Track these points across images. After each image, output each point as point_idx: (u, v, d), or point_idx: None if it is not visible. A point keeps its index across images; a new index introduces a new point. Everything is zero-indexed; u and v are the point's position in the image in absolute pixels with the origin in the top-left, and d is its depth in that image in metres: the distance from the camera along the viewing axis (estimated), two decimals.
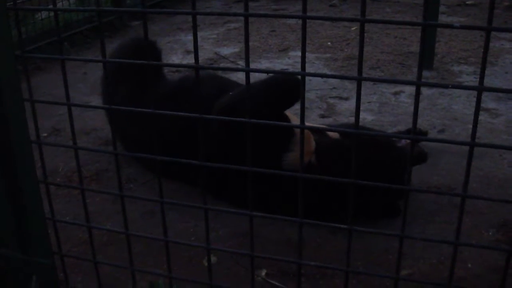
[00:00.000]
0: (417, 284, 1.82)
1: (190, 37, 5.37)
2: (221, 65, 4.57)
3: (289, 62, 4.64)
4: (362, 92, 3.74)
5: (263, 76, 2.42)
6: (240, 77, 3.91)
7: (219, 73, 3.82)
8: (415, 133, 1.10)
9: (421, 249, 2.19)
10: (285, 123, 2.12)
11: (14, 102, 1.32)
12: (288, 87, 2.29)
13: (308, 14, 1.02)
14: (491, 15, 0.98)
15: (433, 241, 1.17)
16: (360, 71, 1.06)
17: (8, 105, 1.30)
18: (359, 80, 1.07)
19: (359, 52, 1.03)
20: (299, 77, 1.11)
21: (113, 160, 2.80)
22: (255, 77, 2.51)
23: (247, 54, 1.10)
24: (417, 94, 1.06)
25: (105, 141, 3.15)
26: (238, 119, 1.18)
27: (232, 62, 4.67)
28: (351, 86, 4.01)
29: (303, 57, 1.08)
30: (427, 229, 2.34)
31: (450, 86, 1.08)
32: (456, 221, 1.15)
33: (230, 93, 2.36)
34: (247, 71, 1.11)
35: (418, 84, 1.07)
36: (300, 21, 5.49)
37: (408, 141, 2.34)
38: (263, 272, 2.06)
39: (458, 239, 1.18)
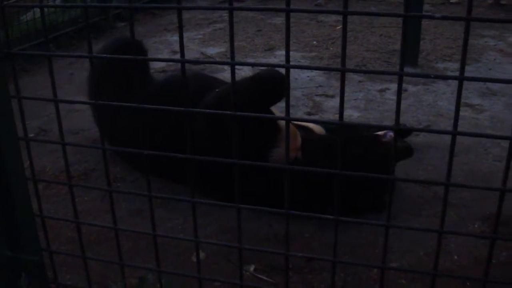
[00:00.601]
0: None
1: (176, 38, 5.37)
2: (208, 64, 4.57)
3: (275, 61, 4.66)
4: (348, 90, 3.80)
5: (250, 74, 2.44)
6: (226, 76, 3.92)
7: (206, 72, 3.83)
8: (400, 129, 1.12)
9: (408, 243, 2.21)
10: (270, 115, 2.13)
11: (1, 99, 1.33)
12: (273, 83, 2.30)
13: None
14: (470, 5, 1.00)
15: (418, 229, 1.19)
16: (343, 62, 1.07)
17: None
18: (342, 71, 1.09)
19: (342, 42, 1.05)
20: (284, 73, 1.13)
21: (101, 160, 2.80)
22: (241, 75, 2.54)
23: (232, 47, 1.12)
24: (400, 83, 1.08)
25: (92, 140, 3.15)
26: (224, 112, 1.20)
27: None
28: (337, 84, 4.03)
29: (287, 50, 1.10)
30: (414, 222, 2.35)
31: (432, 76, 1.10)
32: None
33: (217, 90, 2.37)
34: (233, 64, 1.13)
35: (401, 74, 1.09)
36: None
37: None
38: (252, 268, 2.07)
39: (443, 228, 1.20)
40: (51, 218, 1.51)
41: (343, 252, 2.14)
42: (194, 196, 1.31)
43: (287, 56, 1.11)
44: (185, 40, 5.27)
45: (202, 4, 7.14)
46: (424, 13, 4.30)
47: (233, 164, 1.24)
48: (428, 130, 1.08)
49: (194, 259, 2.08)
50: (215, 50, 5.04)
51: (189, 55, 4.87)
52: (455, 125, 1.08)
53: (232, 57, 1.13)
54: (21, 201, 1.46)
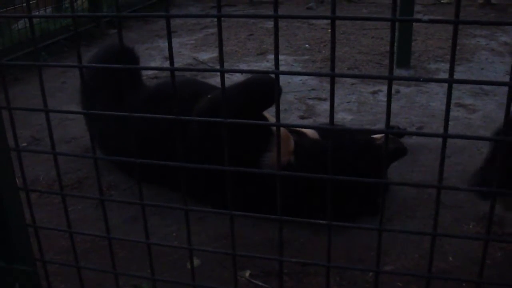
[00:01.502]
0: None
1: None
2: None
3: (267, 65, 4.67)
4: (341, 92, 3.81)
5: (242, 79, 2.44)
6: (218, 81, 3.90)
7: (198, 77, 3.83)
8: (391, 129, 1.12)
9: (402, 246, 2.21)
10: (261, 122, 2.13)
11: None
12: (264, 89, 2.30)
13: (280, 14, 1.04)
14: (458, 9, 1.00)
15: (412, 232, 1.19)
16: (332, 67, 1.07)
17: None
18: (332, 76, 1.08)
19: (331, 46, 1.05)
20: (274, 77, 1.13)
21: (94, 168, 2.79)
22: (233, 80, 2.54)
23: (221, 55, 1.11)
24: (389, 87, 1.08)
25: (84, 149, 3.14)
26: (215, 119, 1.19)
27: (211, 66, 4.68)
28: (329, 87, 4.03)
29: (276, 56, 1.09)
30: (408, 224, 2.36)
31: (421, 79, 1.10)
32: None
33: (208, 96, 2.37)
34: (222, 71, 1.12)
35: (390, 78, 1.08)
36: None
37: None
38: (247, 273, 2.07)
39: (436, 230, 1.20)
40: (44, 228, 1.50)
41: (338, 256, 2.14)
42: (187, 203, 1.30)
43: (276, 62, 1.11)
44: (177, 45, 5.31)
45: (193, 9, 7.15)
46: (415, 13, 4.32)
47: (225, 171, 1.23)
48: (419, 133, 1.08)
49: (189, 266, 2.07)
50: (207, 55, 5.04)
51: (181, 61, 4.87)
52: (446, 127, 1.08)
53: (222, 64, 1.12)
54: (13, 211, 1.46)
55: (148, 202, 1.35)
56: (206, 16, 1.16)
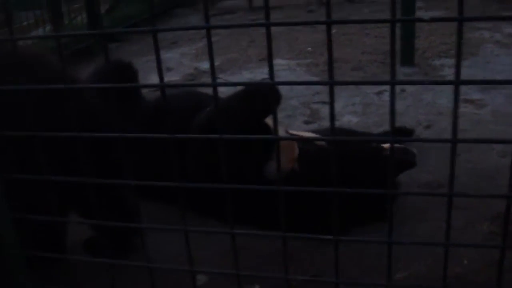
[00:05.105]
0: None
1: (169, 55, 5.34)
2: (202, 79, 4.53)
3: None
4: (345, 95, 3.74)
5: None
6: (222, 90, 3.87)
7: (199, 88, 3.78)
8: (399, 133, 1.07)
9: (415, 250, 2.14)
10: (258, 136, 2.07)
11: None
12: (265, 96, 2.25)
13: (281, 20, 0.99)
14: (461, 5, 0.94)
15: (423, 243, 1.13)
16: (331, 75, 1.02)
17: None
18: (331, 85, 1.03)
19: (328, 53, 1.00)
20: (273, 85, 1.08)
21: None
22: (235, 88, 2.49)
23: (212, 68, 1.06)
24: (392, 93, 1.02)
25: None
26: (210, 136, 1.14)
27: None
28: (334, 90, 3.97)
29: (271, 67, 1.04)
30: (419, 228, 2.29)
31: (426, 82, 1.04)
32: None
33: (207, 109, 2.32)
34: (214, 85, 1.07)
35: (393, 83, 1.03)
36: (278, 29, 5.48)
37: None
38: (256, 287, 2.01)
39: (449, 240, 1.14)
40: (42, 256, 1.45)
41: (348, 264, 2.07)
42: (186, 224, 1.25)
43: (271, 72, 1.05)
44: (178, 55, 5.27)
45: (193, 18, 7.11)
46: (416, 8, 4.25)
47: (225, 189, 1.18)
48: (427, 140, 1.02)
49: (197, 283, 2.01)
50: (208, 64, 4.99)
51: (183, 71, 4.83)
52: (454, 132, 1.02)
53: (213, 78, 1.07)
54: (9, 240, 1.41)
55: (145, 225, 1.30)
56: (195, 28, 1.11)
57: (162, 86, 1.10)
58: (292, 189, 1.13)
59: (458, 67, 0.98)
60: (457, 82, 0.99)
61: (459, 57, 0.97)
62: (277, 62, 4.81)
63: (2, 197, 1.34)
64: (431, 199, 2.49)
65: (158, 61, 1.07)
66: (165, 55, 5.35)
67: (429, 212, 2.40)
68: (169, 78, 4.69)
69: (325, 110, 3.63)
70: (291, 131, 2.48)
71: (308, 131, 3.03)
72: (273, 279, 2.03)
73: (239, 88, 2.37)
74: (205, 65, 4.95)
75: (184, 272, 2.12)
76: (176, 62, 5.15)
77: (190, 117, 2.35)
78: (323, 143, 2.43)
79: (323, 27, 0.97)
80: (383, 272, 2.05)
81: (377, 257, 2.14)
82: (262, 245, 2.28)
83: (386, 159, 2.37)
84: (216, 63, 4.97)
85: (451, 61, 4.34)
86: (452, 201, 1.09)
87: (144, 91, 3.46)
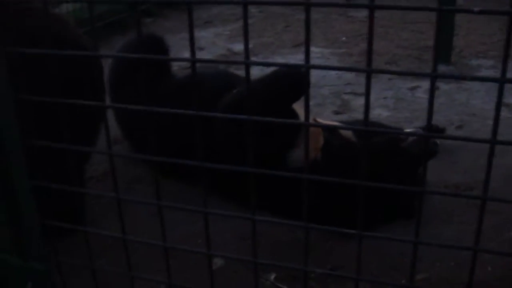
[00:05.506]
0: None
1: (203, 34, 5.29)
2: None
3: (302, 58, 4.53)
4: (377, 88, 3.67)
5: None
6: (252, 72, 3.82)
7: (231, 69, 3.74)
8: (431, 130, 1.02)
9: (438, 251, 2.09)
10: (286, 121, 2.03)
11: (3, 99, 1.25)
12: (294, 81, 2.21)
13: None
14: None
15: (450, 247, 1.08)
16: (369, 62, 0.97)
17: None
18: (368, 73, 0.98)
19: (368, 39, 0.94)
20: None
21: (120, 160, 2.71)
22: (265, 71, 2.44)
23: (246, 46, 1.02)
24: (432, 86, 0.97)
25: (113, 140, 3.07)
26: (240, 116, 1.10)
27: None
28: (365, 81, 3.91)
29: (307, 48, 1.00)
30: (444, 230, 2.23)
31: (468, 78, 0.98)
32: (474, 221, 1.06)
33: (235, 90, 2.28)
34: (247, 64, 1.03)
35: (434, 76, 0.97)
36: (314, 16, 5.39)
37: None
38: (272, 276, 1.97)
39: (477, 245, 1.09)
40: (59, 225, 1.42)
41: (369, 261, 2.03)
42: (207, 205, 1.21)
43: (307, 55, 1.01)
44: (212, 35, 5.23)
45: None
46: (457, 6, 4.14)
47: (248, 172, 1.14)
48: (465, 138, 0.97)
49: (214, 266, 1.99)
50: (242, 46, 4.94)
51: (215, 51, 4.79)
52: (494, 133, 0.97)
53: (247, 56, 1.03)
54: (28, 208, 1.39)
55: (165, 203, 1.27)
56: (231, 2, 1.06)
57: (193, 61, 1.06)
58: (319, 179, 1.08)
59: (504, 63, 0.92)
60: (502, 80, 0.93)
61: (506, 53, 0.91)
62: (311, 49, 4.71)
63: (22, 164, 1.31)
64: (457, 201, 2.42)
65: (191, 35, 1.03)
66: (198, 34, 5.30)
67: (455, 214, 2.34)
68: (200, 57, 4.65)
69: (356, 102, 3.57)
70: (318, 119, 2.43)
71: (338, 121, 2.97)
72: (289, 269, 2.00)
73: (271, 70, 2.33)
74: (238, 47, 4.90)
75: (200, 254, 2.10)
76: (209, 42, 5.10)
77: (219, 96, 2.31)
78: (350, 136, 2.38)
79: (360, 18, 0.92)
80: (403, 271, 2.01)
81: (398, 256, 2.09)
82: (279, 233, 2.24)
83: (404, 151, 2.31)
84: (249, 46, 4.91)
85: (489, 62, 4.24)
86: (485, 204, 1.04)
87: (175, 68, 3.43)
